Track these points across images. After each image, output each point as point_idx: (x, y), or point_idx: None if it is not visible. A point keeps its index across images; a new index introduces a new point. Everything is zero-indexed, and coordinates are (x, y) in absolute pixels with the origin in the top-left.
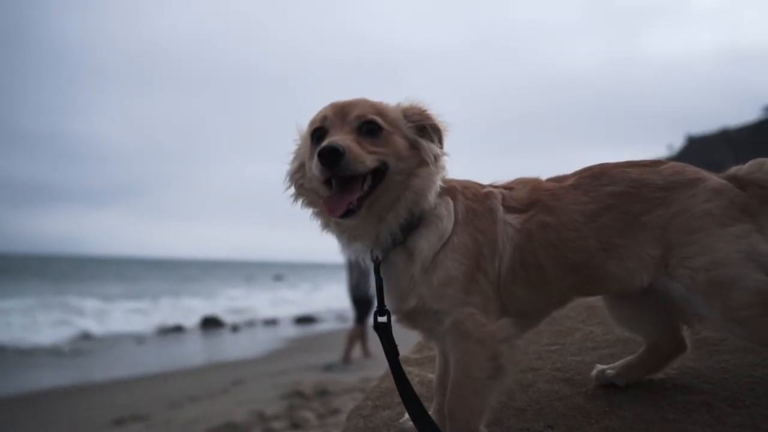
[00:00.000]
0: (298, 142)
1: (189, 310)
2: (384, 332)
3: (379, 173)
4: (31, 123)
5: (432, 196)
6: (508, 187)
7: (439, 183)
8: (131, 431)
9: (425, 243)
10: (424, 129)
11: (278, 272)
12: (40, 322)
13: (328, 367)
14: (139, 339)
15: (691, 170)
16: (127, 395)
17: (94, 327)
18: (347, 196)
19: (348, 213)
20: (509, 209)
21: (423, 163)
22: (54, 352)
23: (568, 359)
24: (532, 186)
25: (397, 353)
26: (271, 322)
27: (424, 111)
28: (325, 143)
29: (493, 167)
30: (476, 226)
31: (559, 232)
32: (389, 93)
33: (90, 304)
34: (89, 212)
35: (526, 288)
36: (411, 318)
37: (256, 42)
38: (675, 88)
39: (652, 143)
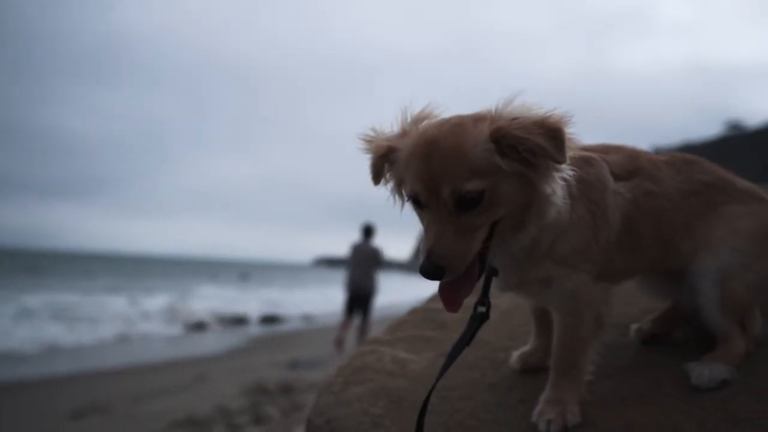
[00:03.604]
0: (370, 153)
1: (154, 306)
2: (479, 323)
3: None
4: None
5: (554, 212)
6: (601, 151)
7: (560, 200)
8: (91, 424)
9: (546, 236)
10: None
11: (244, 270)
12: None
13: (293, 365)
14: (102, 335)
15: (762, 192)
16: (87, 389)
17: (57, 325)
18: (463, 290)
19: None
20: (616, 177)
21: (538, 195)
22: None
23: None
24: (630, 153)
25: (467, 344)
26: (236, 320)
27: (516, 134)
28: (423, 259)
29: None
30: (590, 198)
31: (660, 202)
32: (363, 90)
33: (54, 299)
34: (49, 205)
35: (624, 255)
36: (523, 287)
37: (225, 37)
38: (640, 100)
39: None
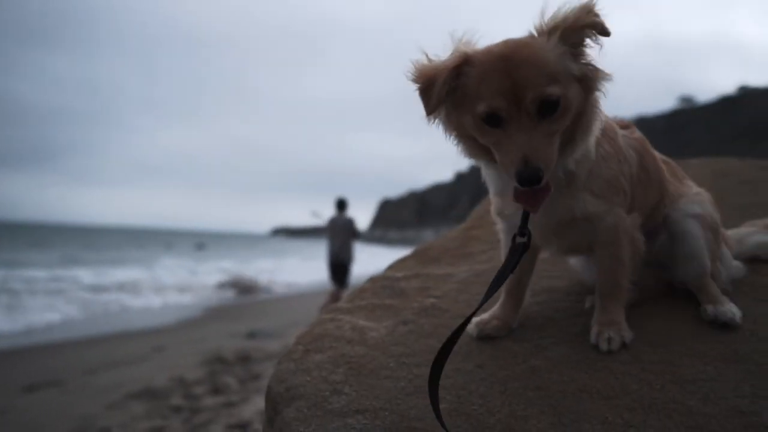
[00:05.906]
0: (428, 79)
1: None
2: (521, 252)
3: None
4: None
5: (598, 126)
6: None
7: (602, 112)
8: (45, 396)
9: (582, 166)
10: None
11: (199, 241)
12: None
13: (251, 335)
14: (55, 305)
15: None
16: (40, 362)
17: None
18: (541, 193)
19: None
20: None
21: (589, 103)
22: None
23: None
24: (617, 120)
25: (512, 271)
26: (192, 290)
27: (578, 25)
28: (519, 167)
29: (412, 143)
30: (609, 137)
31: (651, 150)
32: (316, 60)
33: (10, 273)
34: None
35: (642, 189)
36: (562, 227)
37: (178, 2)
38: None
39: None
